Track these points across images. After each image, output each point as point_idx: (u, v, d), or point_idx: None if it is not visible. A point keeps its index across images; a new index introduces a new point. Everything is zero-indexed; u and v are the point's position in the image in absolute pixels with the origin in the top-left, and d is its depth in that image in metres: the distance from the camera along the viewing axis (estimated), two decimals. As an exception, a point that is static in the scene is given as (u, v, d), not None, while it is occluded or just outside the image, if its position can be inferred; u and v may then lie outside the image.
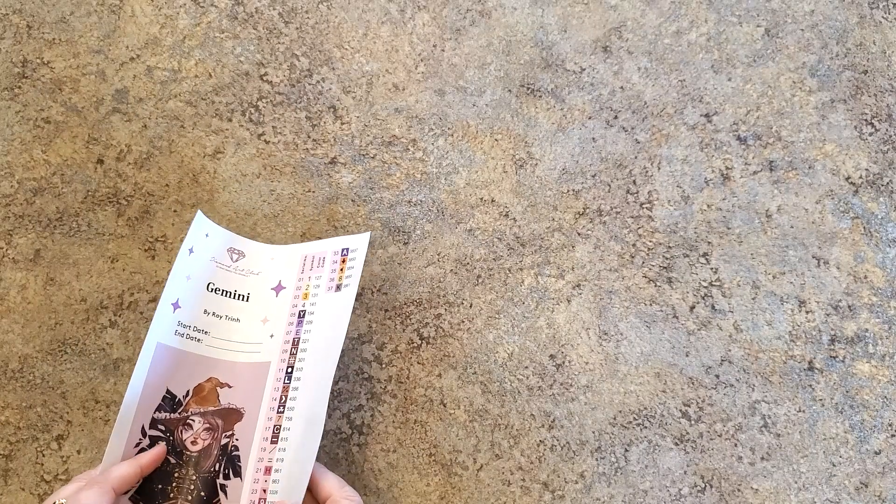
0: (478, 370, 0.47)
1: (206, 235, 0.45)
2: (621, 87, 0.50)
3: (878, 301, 0.47)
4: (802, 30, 0.50)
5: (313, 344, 0.43)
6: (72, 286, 0.47)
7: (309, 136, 0.50)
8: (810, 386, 0.46)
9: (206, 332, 0.44)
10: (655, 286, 0.48)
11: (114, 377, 0.46)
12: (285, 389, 0.42)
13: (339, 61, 0.51)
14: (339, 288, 0.44)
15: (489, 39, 0.51)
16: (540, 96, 0.50)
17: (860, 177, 0.49)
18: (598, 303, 0.48)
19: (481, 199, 0.49)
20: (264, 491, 0.40)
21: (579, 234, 0.49)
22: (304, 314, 0.44)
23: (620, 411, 0.46)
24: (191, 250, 0.44)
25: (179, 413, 0.42)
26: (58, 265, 0.48)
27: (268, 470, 0.40)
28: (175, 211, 0.49)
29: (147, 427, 0.41)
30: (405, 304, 0.48)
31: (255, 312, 0.45)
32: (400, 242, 0.49)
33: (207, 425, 0.42)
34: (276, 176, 0.50)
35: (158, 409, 0.41)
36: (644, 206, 0.49)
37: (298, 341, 0.43)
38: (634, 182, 0.49)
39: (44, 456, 0.45)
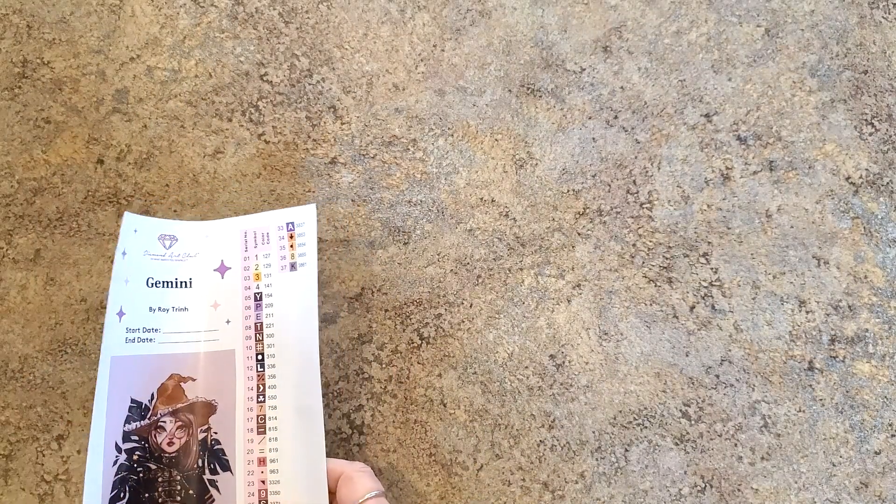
0: (478, 370, 0.47)
1: (135, 231, 0.43)
2: (621, 87, 0.50)
3: (878, 301, 0.47)
4: (802, 30, 0.50)
5: (280, 328, 0.42)
6: (72, 286, 0.47)
7: (309, 136, 0.50)
8: (810, 386, 0.46)
9: (156, 330, 0.42)
10: (655, 286, 0.48)
11: (114, 377, 0.46)
12: (260, 377, 0.42)
13: (339, 61, 0.51)
14: (293, 267, 0.43)
15: (489, 39, 0.51)
16: (540, 96, 0.50)
17: (860, 177, 0.49)
18: (598, 303, 0.48)
19: (481, 199, 0.49)
20: (263, 482, 0.40)
21: (579, 234, 0.49)
22: (260, 296, 0.43)
23: (620, 411, 0.46)
24: (123, 253, 0.42)
25: (149, 418, 0.41)
26: (58, 265, 0.48)
27: (261, 461, 0.40)
28: (175, 211, 0.49)
29: (120, 442, 0.40)
30: (405, 304, 0.48)
31: (202, 298, 0.44)
32: (400, 242, 0.49)
33: (180, 423, 0.41)
34: (277, 176, 0.50)
35: (127, 420, 0.41)
36: (644, 206, 0.49)
37: (262, 326, 0.43)
38: (634, 182, 0.49)
39: (44, 456, 0.45)
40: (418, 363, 0.47)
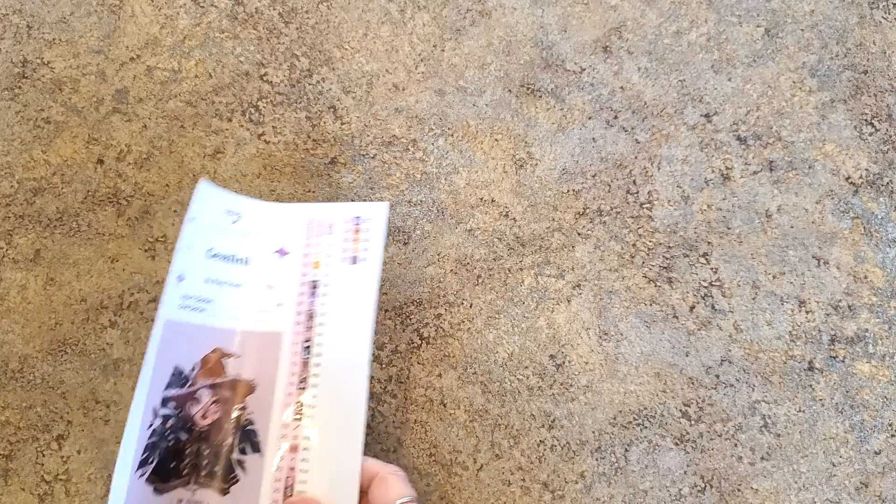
0: (478, 370, 0.47)
1: (205, 200, 0.43)
2: (621, 87, 0.50)
3: (879, 301, 0.47)
4: (802, 30, 0.50)
5: (332, 319, 0.41)
6: (72, 286, 0.47)
7: (309, 137, 0.50)
8: (810, 386, 0.46)
9: (208, 301, 0.42)
10: (655, 286, 0.48)
11: (114, 377, 0.46)
12: (304, 364, 0.41)
13: (339, 61, 0.51)
14: (354, 260, 0.42)
15: (489, 39, 0.51)
16: (540, 96, 0.50)
17: (860, 177, 0.49)
18: (598, 303, 0.48)
19: (481, 199, 0.49)
20: (291, 469, 0.39)
21: (579, 234, 0.49)
22: (316, 285, 0.43)
23: (620, 411, 0.46)
24: (192, 220, 0.42)
25: (187, 388, 0.40)
26: (58, 265, 0.48)
27: (294, 448, 0.39)
28: (175, 211, 0.49)
29: (158, 407, 0.39)
30: (405, 304, 0.48)
31: (257, 277, 0.43)
32: (400, 242, 0.49)
33: (216, 398, 0.41)
34: (277, 176, 0.50)
35: (168, 386, 0.40)
36: (644, 206, 0.49)
37: (313, 314, 0.42)
38: (634, 182, 0.49)
39: (44, 456, 0.45)
40: (418, 363, 0.47)
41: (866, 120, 0.49)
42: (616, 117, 0.50)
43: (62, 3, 0.51)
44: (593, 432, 0.46)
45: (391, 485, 0.37)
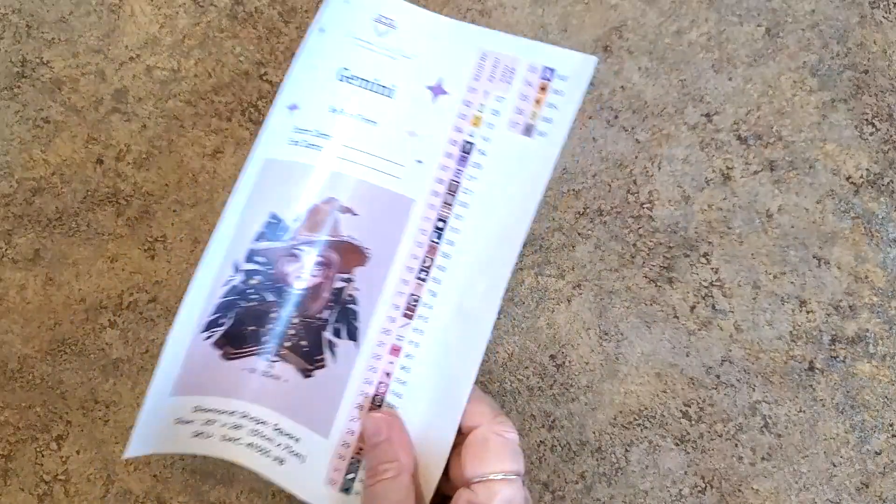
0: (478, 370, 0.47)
1: (347, 2, 0.33)
2: (622, 87, 0.50)
3: (879, 301, 0.47)
4: (803, 29, 0.50)
5: (480, 202, 0.32)
6: (71, 286, 0.47)
7: (309, 136, 0.50)
8: (811, 386, 0.46)
9: (329, 138, 0.32)
10: (656, 286, 0.48)
11: (113, 377, 0.46)
12: (431, 250, 0.32)
13: (338, 61, 0.51)
14: (528, 131, 0.32)
15: (489, 39, 0.51)
16: (540, 96, 0.50)
17: (861, 177, 0.48)
18: (599, 303, 0.48)
19: (481, 198, 0.49)
20: (388, 375, 0.32)
21: (579, 233, 0.48)
22: (470, 149, 0.33)
23: (621, 412, 0.46)
24: (321, 29, 0.32)
25: (286, 241, 0.33)
26: (57, 265, 0.47)
27: (395, 350, 0.32)
28: (175, 211, 0.49)
29: (242, 261, 0.32)
30: (405, 304, 0.48)
31: (399, 116, 0.33)
32: (400, 242, 0.49)
33: (320, 259, 0.33)
34: (276, 176, 0.49)
35: (259, 237, 0.32)
36: (644, 205, 0.49)
37: (458, 188, 0.33)
38: (635, 182, 0.49)
39: (43, 456, 0.45)
40: (418, 363, 0.47)
41: (867, 119, 0.49)
42: (616, 117, 0.50)
43: (61, 3, 0.51)
44: (593, 433, 0.46)
45: (491, 449, 0.28)
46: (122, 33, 0.50)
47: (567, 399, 0.46)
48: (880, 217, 0.48)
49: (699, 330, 0.47)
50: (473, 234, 0.32)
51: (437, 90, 0.33)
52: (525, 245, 0.48)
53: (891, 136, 0.49)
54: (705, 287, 0.48)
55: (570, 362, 0.47)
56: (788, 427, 0.46)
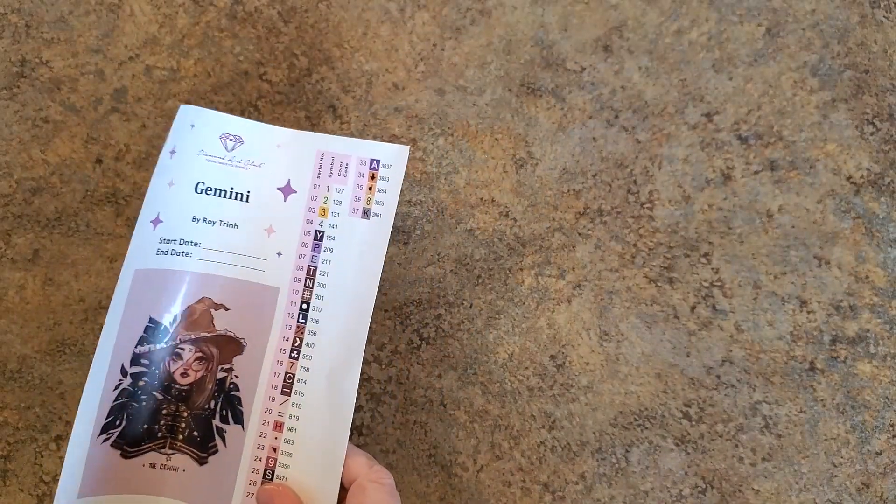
0: (478, 371, 0.47)
1: (192, 126, 0.37)
2: (622, 87, 0.50)
3: (880, 301, 0.47)
4: (804, 29, 0.50)
5: (335, 280, 0.36)
6: (70, 286, 0.47)
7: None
8: (811, 386, 0.46)
9: (195, 244, 0.36)
10: (656, 286, 0.47)
11: (112, 378, 0.46)
12: (299, 330, 0.36)
13: (338, 60, 0.51)
14: (366, 214, 0.37)
15: (489, 38, 0.51)
16: (540, 95, 0.50)
17: (861, 176, 0.48)
18: (599, 303, 0.47)
19: (481, 198, 0.49)
20: (274, 450, 0.35)
21: (580, 234, 0.48)
22: (321, 237, 0.37)
23: (621, 412, 0.46)
24: (172, 151, 0.36)
25: (167, 343, 0.35)
26: (56, 265, 0.47)
27: (278, 426, 0.35)
28: (174, 211, 0.49)
29: (128, 365, 0.35)
30: (405, 304, 0.48)
31: (257, 217, 0.37)
32: (400, 242, 0.49)
33: (200, 354, 0.36)
34: (276, 176, 0.49)
35: (141, 342, 0.35)
36: (645, 205, 0.48)
37: (315, 272, 0.37)
38: (635, 182, 0.49)
39: (42, 457, 0.45)
40: (418, 364, 0.47)
41: (868, 119, 0.49)
42: (617, 117, 0.49)
43: (61, 3, 0.50)
44: (594, 433, 0.46)
45: (369, 495, 0.32)
46: (122, 33, 0.50)
47: (567, 399, 0.46)
48: (881, 217, 0.48)
49: (700, 330, 0.47)
50: (332, 309, 0.36)
51: (287, 190, 0.38)
52: (525, 245, 0.48)
53: (891, 135, 0.49)
54: (706, 287, 0.47)
55: (570, 362, 0.47)
56: (789, 427, 0.46)
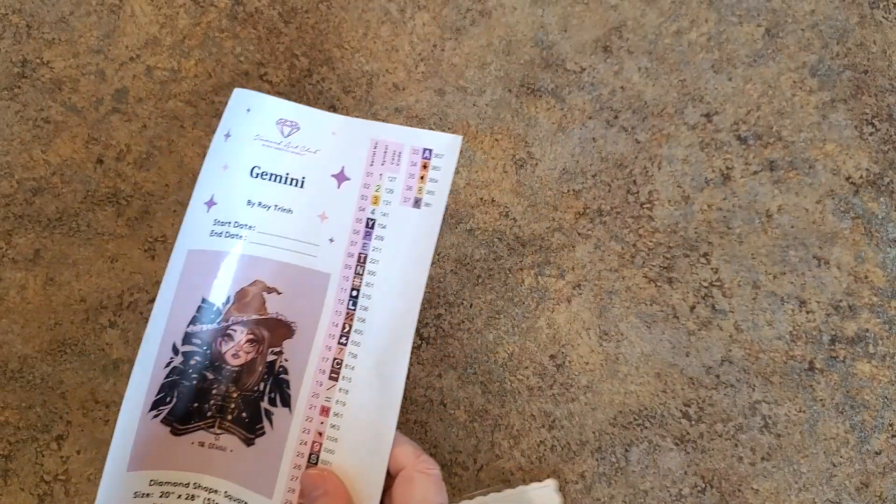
0: (478, 370, 0.47)
1: (248, 111, 0.37)
2: (622, 87, 0.50)
3: (879, 301, 0.47)
4: (803, 29, 0.50)
5: (385, 268, 0.36)
6: (71, 286, 0.47)
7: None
8: (811, 386, 0.46)
9: (249, 228, 0.36)
10: (656, 286, 0.48)
11: (113, 377, 0.46)
12: (349, 316, 0.36)
13: (338, 61, 0.51)
14: (417, 203, 0.37)
15: (489, 39, 0.51)
16: (540, 96, 0.50)
17: (861, 177, 0.49)
18: (599, 303, 0.48)
19: (481, 198, 0.49)
20: (320, 434, 0.35)
21: (579, 234, 0.48)
22: (373, 225, 0.37)
23: (621, 411, 0.46)
24: (227, 135, 0.37)
25: (219, 323, 0.36)
26: (57, 265, 0.48)
27: (325, 410, 0.35)
28: (175, 211, 0.49)
29: (179, 343, 0.35)
30: (405, 304, 0.48)
31: (311, 203, 0.37)
32: (400, 242, 0.49)
33: (251, 336, 0.36)
34: (276, 176, 0.49)
35: (193, 321, 0.36)
36: (644, 205, 0.49)
37: (366, 259, 0.37)
38: (635, 182, 0.49)
39: (43, 456, 0.45)
40: (418, 363, 0.47)
41: (867, 120, 0.49)
42: (616, 117, 0.50)
43: (62, 3, 0.51)
44: (593, 433, 0.46)
45: (416, 486, 0.32)
46: (123, 33, 0.50)
47: (567, 399, 0.46)
48: (880, 217, 0.48)
49: (699, 330, 0.47)
50: (381, 296, 0.36)
51: (341, 177, 0.38)
52: (525, 245, 0.49)
53: (890, 136, 0.49)
54: (705, 287, 0.48)
55: (569, 362, 0.47)
56: (788, 427, 0.46)
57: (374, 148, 0.38)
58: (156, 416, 0.35)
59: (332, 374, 0.35)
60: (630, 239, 0.48)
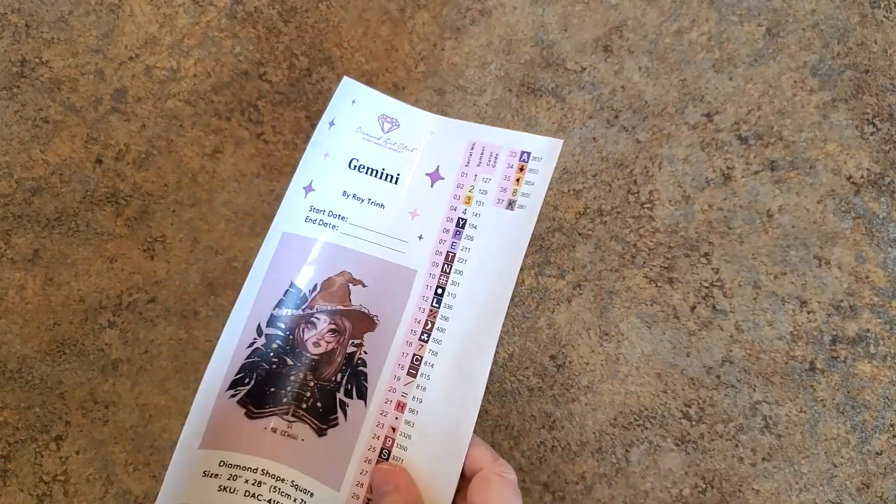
0: (478, 371, 0.47)
1: (353, 102, 0.37)
2: (622, 87, 0.50)
3: (880, 301, 0.47)
4: (804, 29, 0.50)
5: (473, 269, 0.36)
6: (70, 286, 0.47)
7: (308, 136, 0.50)
8: (811, 386, 0.46)
9: (342, 218, 0.36)
10: (656, 286, 0.47)
11: (112, 377, 0.46)
12: (432, 314, 0.36)
13: (338, 60, 0.51)
14: (510, 205, 0.37)
15: (489, 38, 0.51)
16: (540, 96, 0.50)
17: (861, 176, 0.48)
18: (599, 303, 0.47)
19: (481, 198, 0.49)
20: (393, 429, 0.34)
21: (580, 234, 0.48)
22: (463, 224, 0.37)
23: (621, 412, 0.46)
24: (332, 123, 0.37)
25: (304, 310, 0.36)
26: (56, 265, 0.47)
27: (400, 406, 0.35)
28: (174, 211, 0.49)
29: (264, 325, 0.35)
30: (405, 304, 0.48)
31: (403, 200, 0.37)
32: (400, 242, 0.49)
33: (333, 326, 0.36)
34: (276, 175, 0.49)
35: (279, 304, 0.36)
36: (645, 205, 0.48)
37: (454, 258, 0.37)
38: (635, 182, 0.49)
39: (42, 457, 0.45)
40: (418, 364, 0.47)
41: (868, 119, 0.49)
42: (617, 117, 0.49)
43: (61, 2, 0.50)
44: (594, 433, 0.46)
45: (494, 489, 0.31)
46: (122, 33, 0.50)
47: (567, 399, 0.46)
48: (881, 217, 0.48)
49: (700, 330, 0.47)
50: (467, 298, 0.36)
51: (435, 176, 0.38)
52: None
53: (891, 135, 0.49)
54: (706, 287, 0.47)
55: (570, 363, 0.47)
56: (789, 427, 0.46)
57: (472, 149, 0.38)
58: (233, 396, 0.34)
59: (411, 371, 0.35)
60: (630, 239, 0.48)
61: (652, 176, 0.49)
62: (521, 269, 0.48)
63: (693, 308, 0.47)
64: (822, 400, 0.46)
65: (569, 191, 0.49)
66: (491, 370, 0.47)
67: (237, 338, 0.35)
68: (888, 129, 0.49)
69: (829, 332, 0.47)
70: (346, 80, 0.38)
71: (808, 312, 0.47)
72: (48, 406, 0.46)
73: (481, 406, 0.46)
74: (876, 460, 0.46)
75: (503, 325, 0.47)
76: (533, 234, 0.49)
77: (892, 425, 0.46)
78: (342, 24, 0.51)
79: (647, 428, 0.46)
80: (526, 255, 0.48)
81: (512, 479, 0.32)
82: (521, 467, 0.45)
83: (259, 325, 0.35)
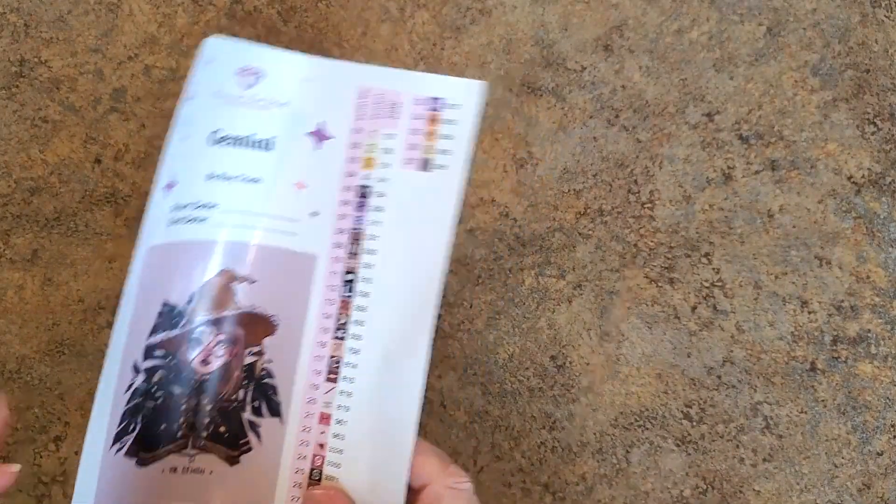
0: (478, 371, 0.47)
1: (211, 62, 0.31)
2: (622, 86, 0.49)
3: (881, 301, 0.47)
4: (804, 28, 0.49)
5: (389, 246, 0.30)
6: (69, 286, 0.47)
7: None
8: (812, 387, 0.46)
9: (212, 206, 0.30)
10: (657, 286, 0.47)
11: (112, 378, 0.46)
12: (344, 305, 0.30)
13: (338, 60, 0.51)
14: (425, 165, 0.30)
15: (489, 38, 0.51)
16: (541, 95, 0.50)
17: (862, 176, 0.48)
18: (599, 303, 0.47)
19: (481, 198, 0.49)
20: (321, 446, 0.29)
21: (580, 234, 0.48)
22: (367, 193, 0.30)
23: (622, 413, 0.46)
24: (189, 97, 0.31)
25: (182, 328, 0.30)
26: (55, 265, 0.47)
27: (324, 418, 0.30)
28: (173, 211, 0.48)
29: (140, 360, 0.30)
30: (405, 304, 0.48)
31: (283, 170, 0.30)
32: (400, 242, 0.49)
33: (222, 336, 0.30)
34: (275, 175, 0.49)
35: (153, 331, 0.30)
36: (645, 205, 0.48)
37: (361, 235, 0.30)
38: (636, 182, 0.49)
39: (41, 457, 0.45)
40: (418, 364, 0.47)
41: (869, 119, 0.49)
42: (617, 116, 0.49)
43: (59, 2, 0.50)
44: (594, 434, 0.46)
45: None
46: (121, 32, 0.50)
47: (568, 400, 0.46)
48: (882, 217, 0.48)
49: (700, 330, 0.47)
50: (387, 280, 0.30)
51: (320, 135, 0.31)
52: (525, 245, 0.48)
53: (892, 135, 0.49)
54: (706, 287, 0.47)
55: (570, 363, 0.47)
56: (790, 428, 0.46)
57: (363, 98, 0.31)
58: (119, 450, 0.29)
59: (330, 375, 0.30)
60: (631, 239, 0.48)
61: (652, 176, 0.49)
62: (522, 270, 0.48)
63: (694, 308, 0.47)
64: (822, 400, 0.46)
65: (569, 190, 0.49)
66: (491, 370, 0.47)
67: (113, 385, 0.30)
68: (889, 129, 0.49)
69: (830, 333, 0.47)
70: (204, 41, 0.31)
71: (809, 313, 0.47)
72: (47, 406, 0.46)
73: (481, 407, 0.46)
74: (877, 461, 0.45)
75: (503, 326, 0.47)
76: (533, 234, 0.48)
77: (893, 426, 0.46)
78: (342, 24, 0.51)
79: (647, 428, 0.46)
80: (526, 255, 0.48)
81: (466, 488, 0.28)
82: (522, 468, 0.45)
83: (135, 362, 0.30)
